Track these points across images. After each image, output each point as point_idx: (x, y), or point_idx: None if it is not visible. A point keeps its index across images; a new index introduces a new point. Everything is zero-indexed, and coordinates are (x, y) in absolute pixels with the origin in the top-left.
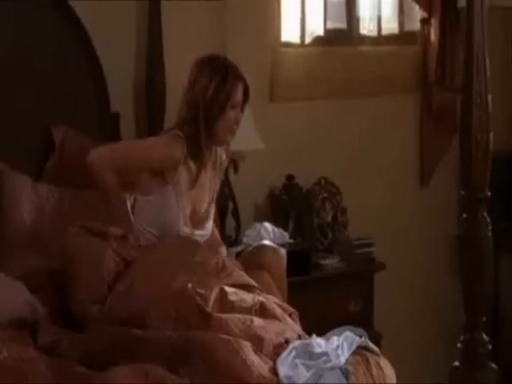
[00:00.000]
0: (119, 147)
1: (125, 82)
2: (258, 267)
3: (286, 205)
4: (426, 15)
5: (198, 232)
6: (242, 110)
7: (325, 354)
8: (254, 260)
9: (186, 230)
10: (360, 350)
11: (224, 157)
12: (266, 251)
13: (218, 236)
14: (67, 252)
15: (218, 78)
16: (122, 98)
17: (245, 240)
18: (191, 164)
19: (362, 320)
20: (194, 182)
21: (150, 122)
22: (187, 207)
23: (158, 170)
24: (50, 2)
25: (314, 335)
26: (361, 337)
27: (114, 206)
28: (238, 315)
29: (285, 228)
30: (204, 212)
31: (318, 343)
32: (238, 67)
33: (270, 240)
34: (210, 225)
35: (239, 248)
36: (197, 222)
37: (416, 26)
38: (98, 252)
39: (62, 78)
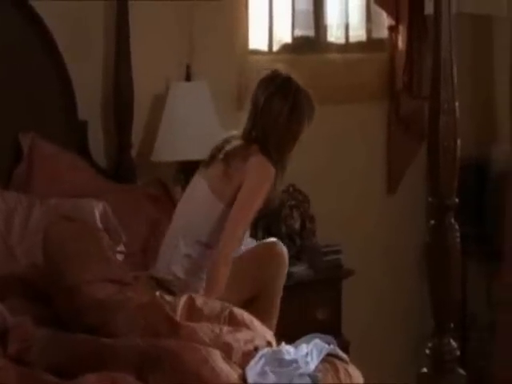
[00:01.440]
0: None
1: (92, 89)
2: (258, 256)
3: None
4: (393, 22)
5: None
6: None
7: (294, 361)
8: (255, 252)
9: None
10: (329, 358)
11: None
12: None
13: None
14: (51, 240)
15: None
16: (89, 106)
17: None
18: None
19: (331, 327)
20: None
21: (118, 129)
22: None
23: None
24: (9, 3)
25: (283, 343)
26: (329, 344)
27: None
28: (206, 323)
29: (253, 235)
30: None
31: (288, 350)
32: None
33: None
34: None
35: None
36: None
37: (384, 33)
38: (88, 230)
39: (29, 86)
